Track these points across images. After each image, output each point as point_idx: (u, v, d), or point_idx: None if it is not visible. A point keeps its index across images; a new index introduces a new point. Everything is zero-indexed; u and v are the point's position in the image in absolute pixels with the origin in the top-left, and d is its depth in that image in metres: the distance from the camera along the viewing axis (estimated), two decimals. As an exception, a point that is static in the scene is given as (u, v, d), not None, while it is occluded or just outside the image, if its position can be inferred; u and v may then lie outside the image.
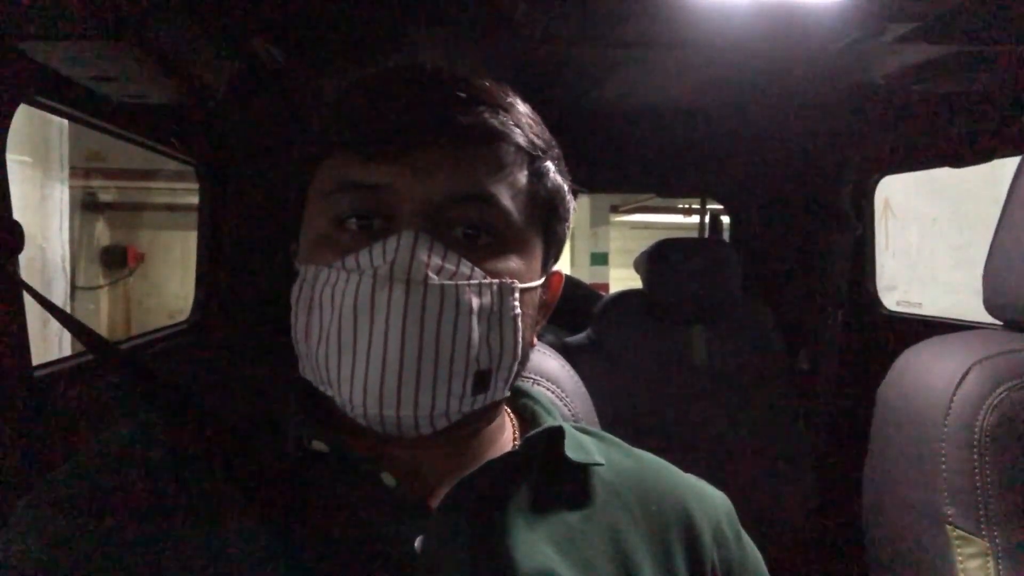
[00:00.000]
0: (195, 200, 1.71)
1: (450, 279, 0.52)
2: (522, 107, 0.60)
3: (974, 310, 1.14)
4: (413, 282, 0.51)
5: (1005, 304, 0.93)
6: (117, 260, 5.94)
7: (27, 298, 0.89)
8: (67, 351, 2.87)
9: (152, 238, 6.13)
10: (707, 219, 2.69)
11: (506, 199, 0.56)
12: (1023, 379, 0.84)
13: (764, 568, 0.66)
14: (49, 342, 2.78)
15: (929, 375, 0.90)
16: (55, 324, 0.72)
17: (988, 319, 1.00)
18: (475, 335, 0.53)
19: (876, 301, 2.13)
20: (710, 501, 0.65)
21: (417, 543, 0.53)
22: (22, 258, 0.97)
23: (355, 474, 0.55)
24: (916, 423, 0.89)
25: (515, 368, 0.58)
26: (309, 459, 0.56)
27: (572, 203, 0.65)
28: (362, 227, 0.55)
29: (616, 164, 2.28)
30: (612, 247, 8.99)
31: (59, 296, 3.28)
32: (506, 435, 0.65)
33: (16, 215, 0.95)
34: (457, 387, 0.53)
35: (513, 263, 0.57)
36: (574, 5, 1.13)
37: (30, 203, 3.11)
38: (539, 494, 0.59)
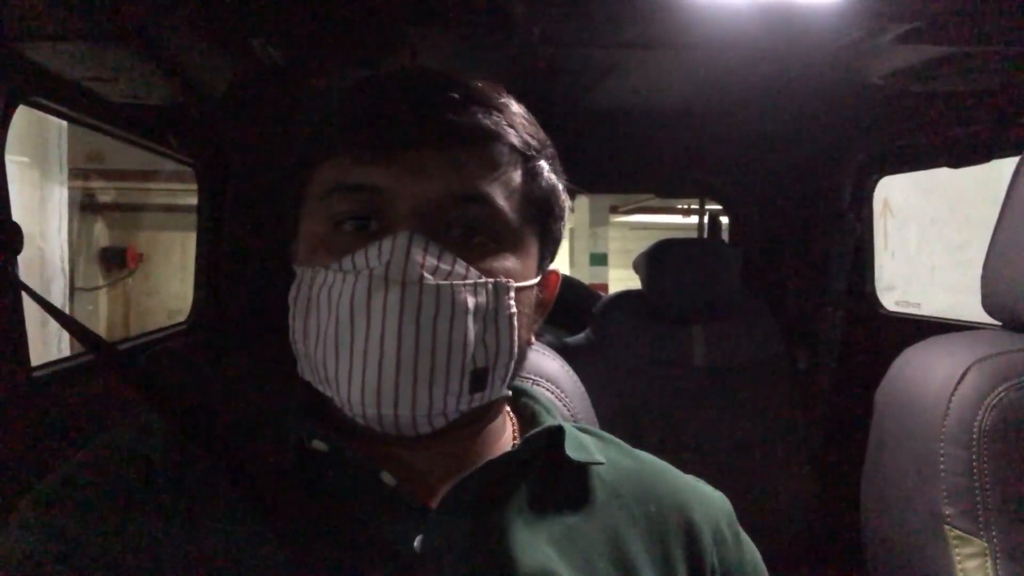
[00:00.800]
0: (194, 201, 1.71)
1: (445, 279, 0.53)
2: (516, 107, 0.60)
3: (973, 310, 1.14)
4: (408, 282, 0.51)
5: (1004, 304, 0.93)
6: (116, 261, 5.94)
7: (26, 299, 0.89)
8: (66, 352, 2.87)
9: (151, 239, 6.13)
10: (706, 219, 2.69)
11: (501, 199, 0.56)
12: (1022, 379, 0.84)
13: (763, 568, 0.66)
14: (48, 343, 2.78)
15: (928, 375, 0.90)
16: (54, 324, 0.72)
17: (987, 319, 1.00)
18: (471, 334, 0.53)
19: (875, 301, 2.13)
20: (709, 502, 0.66)
21: (416, 543, 0.53)
22: (21, 259, 0.97)
23: (355, 474, 0.55)
24: (915, 423, 0.89)
25: (512, 367, 0.58)
26: (309, 459, 0.56)
27: (567, 202, 0.65)
28: (358, 229, 0.55)
29: (615, 165, 2.28)
30: (611, 247, 8.99)
31: (58, 297, 3.28)
32: (506, 435, 0.65)
33: (15, 216, 0.95)
34: (454, 386, 0.53)
35: (508, 262, 0.57)
36: (573, 6, 1.13)
37: (29, 204, 3.11)
38: (539, 494, 0.59)
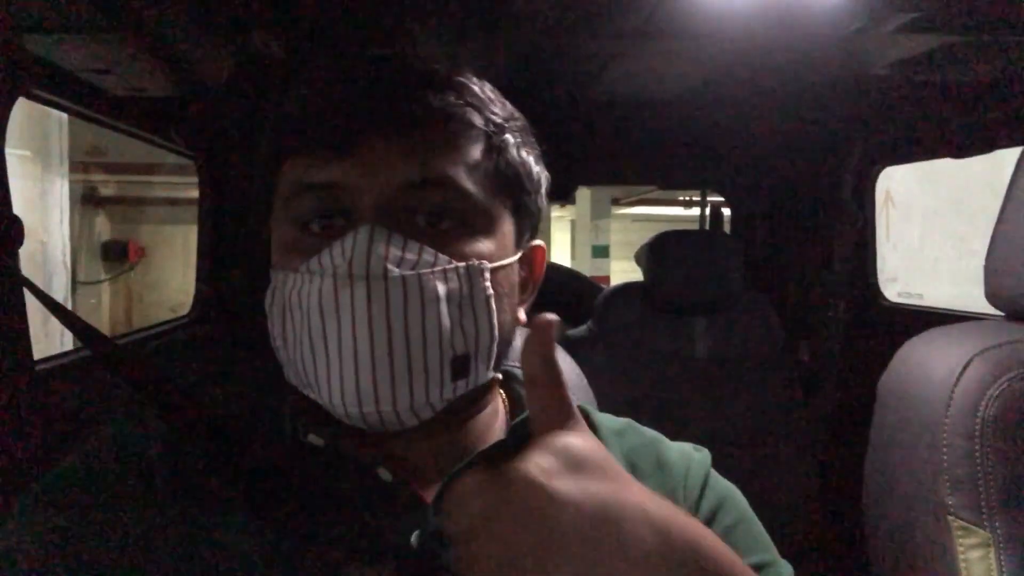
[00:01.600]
0: (195, 194, 1.71)
1: (412, 269, 0.52)
2: (475, 86, 0.59)
3: (976, 301, 1.14)
4: (373, 277, 0.51)
5: (1007, 295, 0.93)
6: (118, 255, 5.95)
7: (28, 293, 0.89)
8: (68, 346, 2.87)
9: (153, 232, 6.13)
10: (708, 211, 2.69)
11: (464, 180, 0.55)
12: (1025, 369, 0.83)
13: (736, 502, 0.65)
14: (51, 337, 2.79)
15: (930, 366, 0.90)
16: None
17: (990, 310, 1.00)
18: (446, 321, 0.53)
19: (877, 292, 2.13)
20: (688, 460, 0.66)
21: (413, 538, 0.53)
22: (22, 253, 0.97)
23: (351, 469, 0.55)
24: (917, 414, 0.89)
25: (495, 349, 0.57)
26: (305, 454, 0.56)
27: (542, 173, 0.63)
28: (324, 228, 0.54)
29: (617, 157, 2.28)
30: (613, 240, 8.99)
31: (60, 291, 3.29)
32: (499, 422, 0.64)
33: (16, 210, 0.95)
34: (435, 375, 0.53)
35: (481, 244, 0.56)
36: (574, -4, 1.13)
37: (30, 198, 3.11)
38: None
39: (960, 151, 1.70)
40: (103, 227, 5.90)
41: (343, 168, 0.53)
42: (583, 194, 8.55)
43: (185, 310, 1.79)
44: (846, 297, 2.10)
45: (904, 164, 2.13)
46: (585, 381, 0.92)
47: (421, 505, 0.54)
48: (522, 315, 0.63)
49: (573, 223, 10.23)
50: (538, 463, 0.40)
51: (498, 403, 0.65)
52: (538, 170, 0.63)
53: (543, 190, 0.64)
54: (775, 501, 1.84)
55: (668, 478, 0.63)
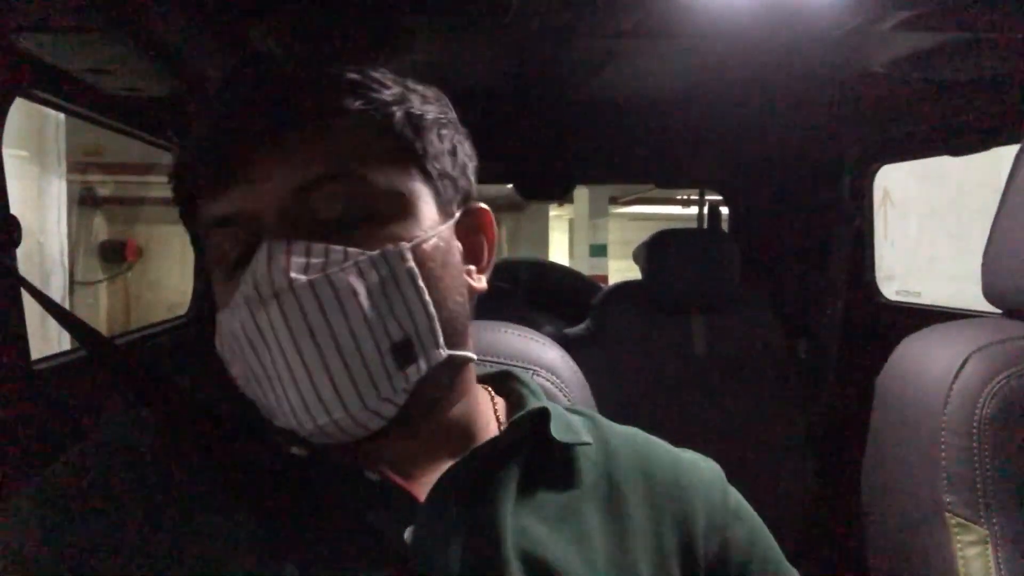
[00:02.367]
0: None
1: (320, 272, 0.51)
2: (349, 72, 0.57)
3: (973, 299, 1.14)
4: (280, 292, 0.50)
5: (1004, 292, 0.93)
6: (116, 255, 5.94)
7: (25, 293, 0.89)
8: (66, 346, 2.87)
9: (150, 232, 6.12)
10: (706, 210, 2.69)
11: (356, 167, 0.54)
12: (1022, 367, 0.84)
13: (765, 531, 0.65)
14: (49, 337, 2.78)
15: (928, 363, 0.90)
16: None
17: (987, 307, 1.00)
18: (371, 313, 0.51)
19: (875, 290, 2.13)
20: (700, 472, 0.65)
21: (407, 534, 0.52)
22: (20, 253, 0.97)
23: (338, 474, 0.55)
24: (915, 411, 0.89)
25: (437, 327, 0.55)
26: (294, 460, 0.56)
27: (448, 135, 0.61)
28: (241, 258, 0.54)
29: (615, 155, 2.28)
30: (611, 238, 8.99)
31: (58, 291, 3.28)
32: (488, 417, 0.64)
33: (13, 210, 0.95)
34: (377, 369, 0.52)
35: (393, 225, 0.54)
36: (571, -5, 1.12)
37: (28, 198, 3.11)
38: (528, 476, 0.58)
39: (957, 149, 1.70)
40: (101, 227, 5.89)
41: (236, 195, 0.53)
42: (581, 193, 8.54)
43: (183, 310, 1.79)
44: (844, 295, 2.10)
45: (902, 162, 2.13)
46: (583, 379, 0.92)
47: (413, 503, 0.54)
48: (480, 283, 0.62)
49: (571, 222, 10.23)
50: None
51: (479, 395, 0.65)
52: (446, 134, 0.60)
53: (460, 153, 0.62)
54: (773, 498, 1.83)
55: (688, 497, 0.62)
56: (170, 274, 6.00)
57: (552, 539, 0.55)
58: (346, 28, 1.21)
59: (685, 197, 8.55)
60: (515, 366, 0.85)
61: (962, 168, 2.87)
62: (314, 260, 0.51)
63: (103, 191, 5.81)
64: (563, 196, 2.44)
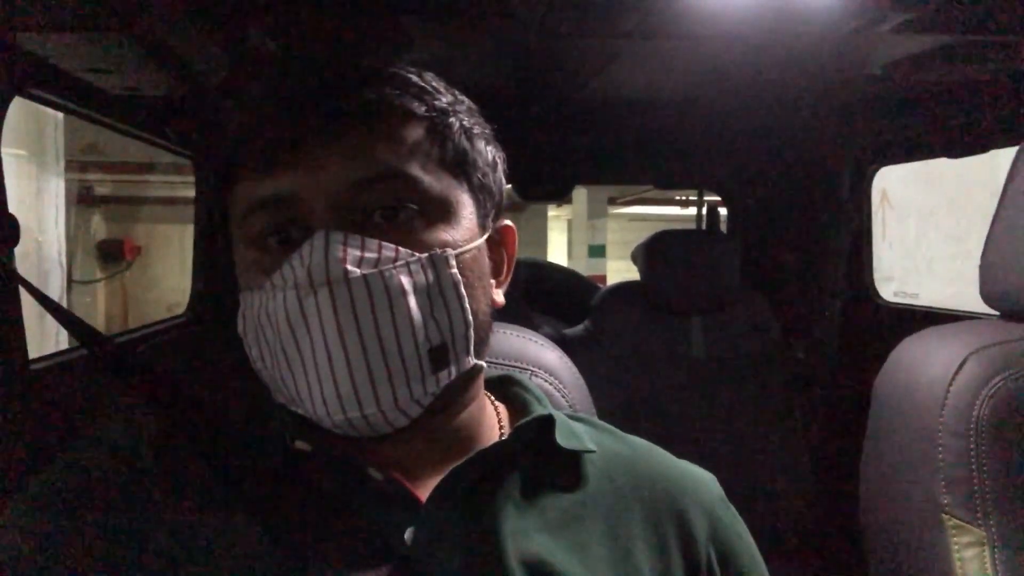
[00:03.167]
0: (191, 193, 1.70)
1: (373, 267, 0.51)
2: (412, 74, 0.58)
3: (971, 301, 1.14)
4: (334, 281, 0.50)
5: (1002, 294, 0.94)
6: (114, 254, 5.94)
7: (24, 292, 0.89)
8: (64, 345, 2.87)
9: (149, 231, 6.12)
10: (704, 211, 2.69)
11: (414, 169, 0.54)
12: (1019, 369, 0.84)
13: (754, 546, 0.66)
14: (47, 336, 2.78)
15: (926, 365, 0.90)
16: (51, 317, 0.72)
17: (985, 309, 1.00)
18: (416, 314, 0.52)
19: (873, 292, 2.14)
20: (700, 485, 0.66)
21: (408, 535, 0.52)
22: (18, 252, 0.97)
23: (341, 471, 0.55)
24: (913, 413, 0.89)
25: (471, 335, 0.56)
26: (296, 457, 0.56)
27: (496, 153, 0.63)
28: (282, 242, 0.54)
29: (614, 156, 2.28)
30: (610, 239, 8.99)
31: (56, 290, 3.28)
32: (491, 421, 0.64)
33: (12, 209, 0.95)
34: (414, 370, 0.52)
35: (442, 232, 0.55)
36: (571, -4, 1.12)
37: (26, 197, 3.10)
38: (531, 482, 0.59)
39: (956, 151, 1.70)
40: (99, 226, 5.88)
41: (288, 178, 0.53)
42: (580, 194, 8.55)
43: (181, 309, 1.79)
44: (842, 296, 2.10)
45: (900, 164, 2.13)
46: (582, 380, 0.92)
47: (415, 503, 0.54)
48: (499, 297, 0.63)
49: (570, 223, 10.23)
50: None
51: (485, 400, 0.65)
52: (490, 150, 0.62)
53: (499, 170, 0.63)
54: (771, 500, 1.84)
55: (688, 509, 0.62)
56: (168, 273, 6.00)
57: (553, 545, 0.55)
58: (346, 28, 1.21)
59: (684, 198, 8.56)
60: (513, 367, 0.85)
61: (960, 170, 2.88)
62: (368, 255, 0.52)
63: (101, 190, 5.81)
64: (562, 197, 2.45)
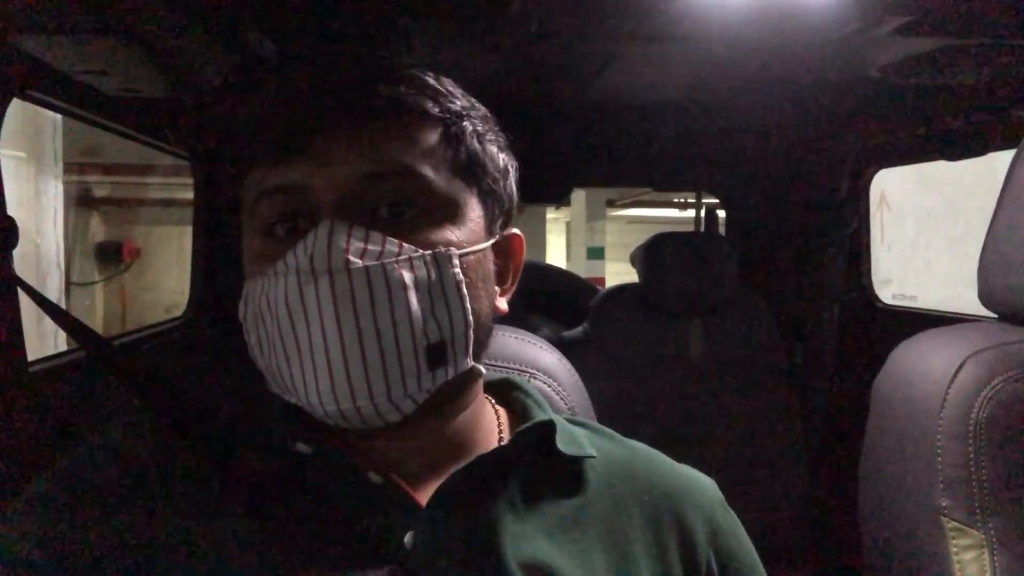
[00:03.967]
0: (190, 195, 1.70)
1: (376, 260, 0.51)
2: (430, 77, 0.59)
3: (970, 303, 1.14)
4: (335, 271, 0.50)
5: (1000, 297, 0.94)
6: (112, 256, 5.92)
7: (22, 294, 0.89)
8: (63, 347, 2.87)
9: (147, 233, 6.11)
10: (703, 213, 2.69)
11: (424, 168, 0.55)
12: (1018, 371, 0.84)
13: (754, 552, 0.66)
14: (44, 338, 2.78)
15: (924, 368, 0.90)
16: (50, 319, 0.72)
17: (983, 312, 1.00)
18: (416, 310, 0.52)
19: (872, 294, 2.14)
20: (701, 490, 0.66)
21: (407, 538, 0.52)
22: (16, 254, 0.97)
23: (341, 474, 0.55)
24: (911, 416, 0.89)
25: (471, 336, 0.56)
26: (295, 460, 0.56)
27: (508, 160, 0.63)
28: (290, 231, 0.55)
29: (612, 159, 2.28)
30: (608, 241, 9.00)
31: (54, 292, 3.28)
32: (490, 426, 0.64)
33: (10, 211, 0.94)
34: (410, 365, 0.52)
35: (447, 232, 0.56)
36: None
37: (24, 198, 3.10)
38: (531, 487, 0.59)
39: (954, 154, 1.71)
40: (97, 228, 5.87)
41: (300, 168, 0.53)
42: (578, 196, 8.55)
43: (180, 311, 1.79)
44: (840, 299, 2.11)
45: (899, 166, 2.13)
46: (580, 383, 0.92)
47: (415, 507, 0.54)
48: (503, 305, 0.63)
49: (568, 225, 10.24)
50: None
51: (484, 404, 0.65)
52: (503, 157, 0.63)
53: (511, 177, 0.64)
54: (769, 502, 1.84)
55: (688, 514, 0.62)
56: (167, 275, 5.99)
57: (552, 550, 0.55)
58: (344, 30, 1.21)
59: (682, 200, 8.56)
60: (512, 368, 0.85)
61: (959, 172, 2.88)
62: (371, 247, 0.52)
63: (100, 192, 5.80)
64: (561, 199, 2.45)
